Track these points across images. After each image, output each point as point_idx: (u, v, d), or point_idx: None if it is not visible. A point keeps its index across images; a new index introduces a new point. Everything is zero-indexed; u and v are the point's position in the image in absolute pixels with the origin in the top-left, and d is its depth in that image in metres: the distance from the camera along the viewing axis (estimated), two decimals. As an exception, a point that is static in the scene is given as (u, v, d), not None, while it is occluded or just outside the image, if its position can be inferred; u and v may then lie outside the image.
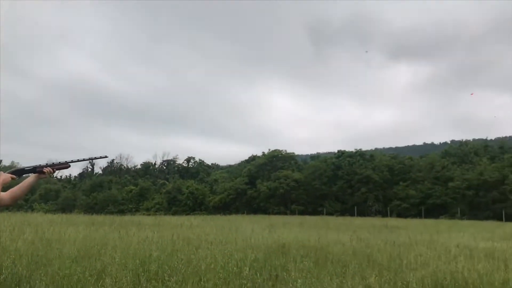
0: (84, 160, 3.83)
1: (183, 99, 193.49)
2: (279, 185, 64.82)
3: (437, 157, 66.42)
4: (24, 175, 3.60)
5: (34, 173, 3.57)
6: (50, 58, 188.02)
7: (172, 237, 10.51)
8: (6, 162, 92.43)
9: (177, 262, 6.36)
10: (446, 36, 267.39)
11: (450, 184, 56.26)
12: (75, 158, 3.77)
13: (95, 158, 3.86)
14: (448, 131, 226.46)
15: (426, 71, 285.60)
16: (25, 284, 5.25)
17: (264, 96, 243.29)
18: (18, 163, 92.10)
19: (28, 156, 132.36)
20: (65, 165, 3.74)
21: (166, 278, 5.37)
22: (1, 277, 5.54)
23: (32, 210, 56.61)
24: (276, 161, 72.97)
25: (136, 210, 67.89)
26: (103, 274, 5.69)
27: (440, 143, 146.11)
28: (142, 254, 7.47)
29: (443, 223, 32.73)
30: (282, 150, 75.18)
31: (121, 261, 6.54)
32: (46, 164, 3.63)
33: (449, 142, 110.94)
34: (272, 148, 75.90)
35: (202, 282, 5.35)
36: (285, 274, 6.46)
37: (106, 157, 3.91)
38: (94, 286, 4.88)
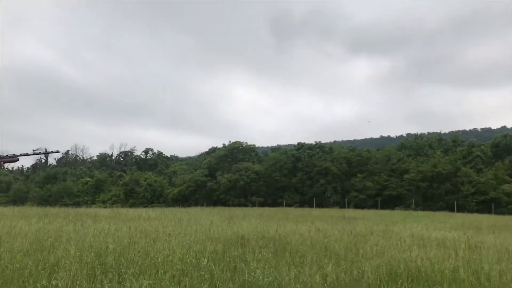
0: (34, 153, 3.69)
1: (142, 89, 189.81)
2: (239, 177, 64.89)
3: (393, 149, 68.28)
4: None
5: None
6: (3, 44, 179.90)
7: (129, 229, 10.33)
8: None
9: (134, 254, 6.26)
10: (404, 31, 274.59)
11: (406, 176, 58.01)
12: (24, 152, 3.64)
13: (46, 153, 3.70)
14: (404, 124, 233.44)
15: (384, 65, 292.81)
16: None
17: (225, 87, 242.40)
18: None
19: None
20: (13, 158, 3.60)
21: (123, 270, 5.28)
22: None
23: (-19, 202, 54.36)
24: (236, 153, 73.00)
25: (92, 203, 66.36)
26: (56, 268, 5.53)
27: (396, 136, 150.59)
28: (98, 247, 7.31)
29: (398, 214, 33.79)
30: (242, 142, 75.27)
31: (76, 254, 6.37)
32: None
33: (405, 135, 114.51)
34: (233, 140, 75.90)
35: (159, 274, 5.28)
36: (243, 264, 6.48)
37: (57, 151, 3.78)
38: (47, 280, 4.72)
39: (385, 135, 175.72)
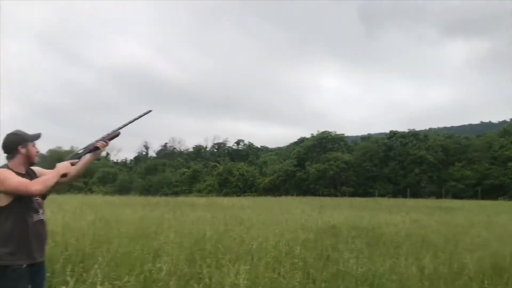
0: (130, 122, 3.83)
1: (233, 82, 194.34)
2: (328, 166, 64.38)
3: (495, 136, 63.52)
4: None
5: (90, 152, 3.70)
6: (103, 45, 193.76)
7: (224, 217, 10.75)
8: (66, 147, 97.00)
9: (230, 241, 6.53)
10: (504, 9, 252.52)
11: (510, 164, 53.79)
12: (121, 124, 3.80)
13: (140, 116, 3.85)
14: (507, 109, 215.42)
15: (483, 45, 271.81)
16: (88, 260, 5.55)
17: (313, 77, 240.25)
18: (77, 147, 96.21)
19: (88, 141, 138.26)
20: (115, 134, 3.81)
21: (220, 256, 5.53)
22: (67, 253, 5.91)
23: (92, 192, 59.36)
24: (325, 142, 72.35)
25: (189, 192, 69.57)
26: (159, 253, 5.93)
27: (498, 121, 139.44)
28: (196, 234, 7.71)
29: (502, 205, 31.45)
30: (331, 132, 74.44)
31: (176, 240, 6.76)
32: (97, 140, 3.74)
33: (508, 121, 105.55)
34: (321, 130, 75.26)
35: (254, 261, 5.47)
36: (336, 254, 6.48)
37: (150, 111, 3.91)
38: (152, 263, 5.10)
39: (486, 120, 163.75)
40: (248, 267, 4.83)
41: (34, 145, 3.47)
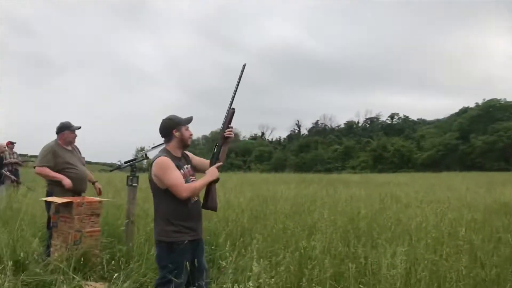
0: (235, 92, 3.75)
1: (384, 54, 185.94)
2: (497, 138, 58.10)
3: None
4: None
5: (222, 145, 3.82)
6: (255, 29, 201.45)
7: (379, 195, 10.40)
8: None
9: (386, 220, 6.27)
10: None
11: None
12: (230, 100, 3.72)
13: (240, 79, 3.75)
14: None
15: None
16: (247, 235, 5.85)
17: (477, 39, 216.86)
18: (236, 128, 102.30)
19: (243, 123, 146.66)
20: (231, 112, 3.78)
21: (375, 236, 5.35)
22: (228, 228, 6.31)
23: (250, 170, 62.89)
24: (493, 111, 65.33)
25: (342, 169, 69.37)
26: (313, 230, 5.96)
27: None
28: (350, 212, 7.59)
29: None
30: (500, 99, 66.82)
31: (330, 217, 6.73)
32: (222, 130, 3.81)
33: None
34: (488, 98, 68.04)
35: (412, 241, 5.16)
36: (509, 236, 5.78)
37: (245, 64, 3.77)
38: (306, 241, 5.13)
39: None
40: (406, 248, 4.57)
41: (187, 129, 3.72)
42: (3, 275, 4.76)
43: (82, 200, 5.52)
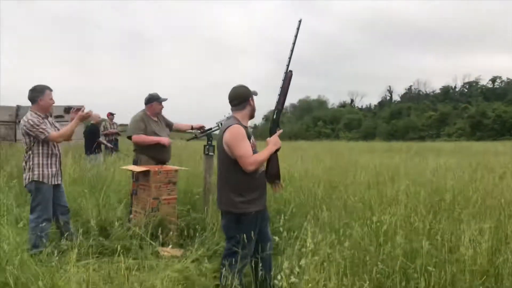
0: (292, 51, 3.49)
1: (485, 12, 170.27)
2: None
3: None
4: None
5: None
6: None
7: (470, 165, 9.58)
8: (313, 96, 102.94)
9: (474, 192, 5.73)
10: None
11: None
12: (287, 62, 3.50)
13: (296, 36, 3.50)
14: None
15: None
16: (322, 205, 5.67)
17: None
18: (324, 96, 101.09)
19: (332, 90, 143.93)
20: (288, 76, 3.59)
21: (458, 210, 4.90)
22: (303, 197, 6.20)
23: (338, 138, 61.88)
24: None
25: (436, 136, 65.78)
26: (392, 202, 5.63)
27: None
28: (436, 183, 7.09)
29: None
30: None
31: (413, 189, 6.33)
32: (280, 92, 3.63)
33: None
34: None
35: (501, 217, 4.65)
36: None
37: (300, 20, 3.49)
38: (381, 213, 4.85)
39: None
40: (493, 224, 4.13)
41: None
42: (88, 238, 5.11)
43: (159, 169, 5.69)
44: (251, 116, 3.69)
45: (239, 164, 3.44)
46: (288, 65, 3.53)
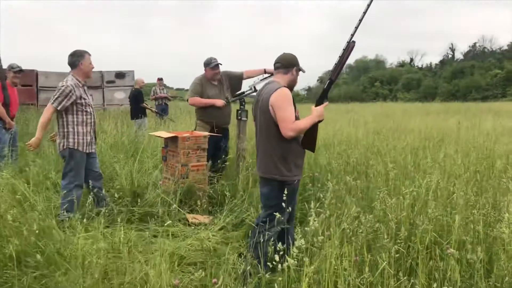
0: (363, 15, 3.19)
1: None
2: None
3: None
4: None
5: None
6: None
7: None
8: (371, 56, 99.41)
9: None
10: None
11: None
12: (353, 31, 3.23)
13: (369, 5, 3.20)
14: None
15: None
16: (355, 173, 5.37)
17: None
18: (381, 55, 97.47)
19: (390, 49, 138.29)
20: (350, 46, 3.29)
21: (505, 178, 4.42)
22: (337, 164, 5.88)
23: (396, 99, 59.74)
24: None
25: (502, 96, 61.85)
26: (434, 169, 5.21)
27: None
28: (486, 147, 6.54)
29: None
30: None
31: (460, 154, 5.86)
32: (337, 62, 3.35)
33: None
34: None
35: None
36: None
37: None
38: (421, 181, 4.48)
39: None
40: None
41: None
42: (120, 204, 5.14)
43: (188, 135, 5.57)
44: (290, 86, 3.50)
45: (279, 136, 3.32)
46: (352, 35, 3.26)
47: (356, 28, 3.20)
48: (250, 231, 3.87)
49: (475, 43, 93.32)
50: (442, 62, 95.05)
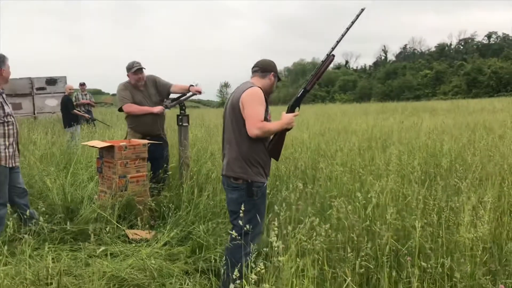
0: (346, 31, 3.15)
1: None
2: None
3: None
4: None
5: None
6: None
7: (468, 125, 9.03)
8: (308, 59, 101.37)
9: (472, 157, 5.21)
10: None
11: None
12: (335, 43, 3.18)
13: (355, 21, 3.16)
14: None
15: None
16: (304, 178, 5.19)
17: None
18: (318, 58, 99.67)
19: (326, 51, 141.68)
20: (330, 59, 3.27)
21: (456, 177, 4.38)
22: (286, 168, 5.68)
23: (333, 101, 61.22)
24: None
25: (432, 95, 65.04)
26: (380, 172, 5.12)
27: None
28: (431, 146, 6.59)
29: None
30: None
31: (406, 155, 5.83)
32: (314, 73, 3.33)
33: None
34: None
35: (505, 184, 4.14)
36: None
37: (363, 9, 3.19)
38: (374, 182, 4.35)
39: None
40: (495, 192, 3.64)
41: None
42: (51, 221, 4.63)
43: (125, 143, 5.14)
44: (266, 91, 3.31)
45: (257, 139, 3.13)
46: (333, 48, 3.22)
47: (337, 42, 3.18)
48: (225, 252, 3.40)
49: (405, 45, 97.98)
50: (375, 63, 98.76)
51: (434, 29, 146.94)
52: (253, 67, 3.42)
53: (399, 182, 4.34)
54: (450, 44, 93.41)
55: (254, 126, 3.04)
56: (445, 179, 4.55)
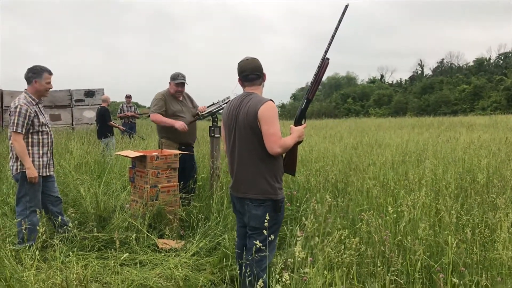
0: (335, 32, 3.10)
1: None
2: None
3: None
4: None
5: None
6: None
7: (506, 140, 8.71)
8: (342, 73, 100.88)
9: (511, 172, 5.02)
10: None
11: None
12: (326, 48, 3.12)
13: (341, 19, 3.10)
14: None
15: None
16: (334, 192, 5.11)
17: None
18: (352, 72, 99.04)
19: (360, 66, 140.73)
20: (325, 63, 3.18)
21: (493, 193, 4.22)
22: (316, 181, 5.61)
23: (368, 115, 60.47)
24: None
25: (470, 110, 63.30)
26: (418, 185, 4.98)
27: None
28: (468, 161, 6.39)
29: None
30: None
31: (441, 169, 5.67)
32: (312, 79, 3.22)
33: None
34: None
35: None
36: None
37: (347, 5, 3.13)
38: (406, 197, 4.24)
39: None
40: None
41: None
42: (83, 229, 4.72)
43: (157, 154, 5.21)
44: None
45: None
46: (326, 52, 3.15)
47: (329, 44, 3.11)
48: (240, 268, 3.24)
49: (442, 59, 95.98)
50: (411, 78, 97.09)
51: (472, 43, 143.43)
52: (248, 75, 3.19)
53: (432, 197, 4.20)
54: (489, 59, 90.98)
55: (276, 144, 2.98)
56: (481, 195, 4.38)
